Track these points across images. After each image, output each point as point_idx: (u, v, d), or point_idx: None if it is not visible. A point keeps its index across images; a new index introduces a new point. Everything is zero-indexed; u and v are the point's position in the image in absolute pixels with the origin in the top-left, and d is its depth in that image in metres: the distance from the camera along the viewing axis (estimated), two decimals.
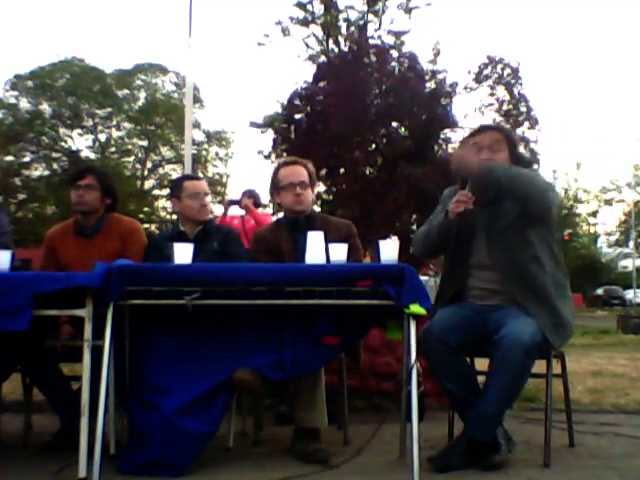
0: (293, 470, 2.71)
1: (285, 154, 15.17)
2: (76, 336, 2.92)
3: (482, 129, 3.04)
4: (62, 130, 27.50)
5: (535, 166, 16.23)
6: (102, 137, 28.52)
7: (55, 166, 27.35)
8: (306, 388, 2.91)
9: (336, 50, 19.79)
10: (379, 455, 2.96)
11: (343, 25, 20.85)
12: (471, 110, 18.22)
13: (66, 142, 27.78)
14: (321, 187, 15.90)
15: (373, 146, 15.65)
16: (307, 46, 21.11)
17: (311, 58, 20.71)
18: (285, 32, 21.46)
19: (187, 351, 2.82)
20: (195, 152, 24.07)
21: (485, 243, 2.89)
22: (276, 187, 3.33)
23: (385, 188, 14.20)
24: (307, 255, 2.72)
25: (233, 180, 28.98)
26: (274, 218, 4.72)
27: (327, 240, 2.76)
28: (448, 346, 2.73)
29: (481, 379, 2.86)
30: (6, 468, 2.77)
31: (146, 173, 29.32)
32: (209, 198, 3.53)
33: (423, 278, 3.01)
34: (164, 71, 28.47)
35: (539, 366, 2.79)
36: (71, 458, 2.58)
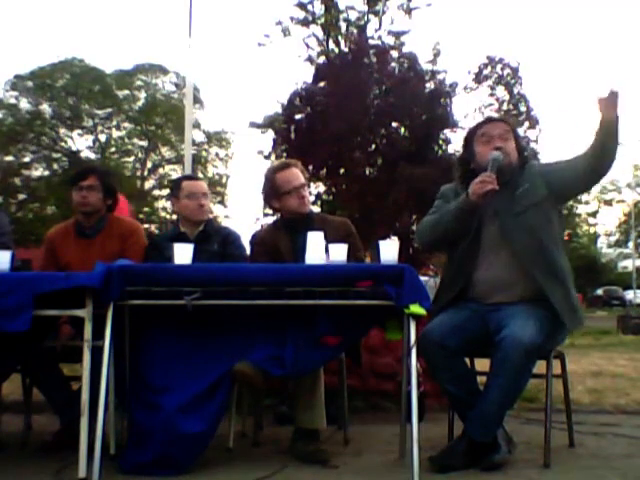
0: (293, 470, 2.71)
1: (285, 154, 15.15)
2: (76, 336, 2.92)
3: (490, 120, 3.06)
4: (62, 130, 27.52)
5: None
6: (102, 137, 28.54)
7: (55, 166, 27.36)
8: (305, 389, 2.92)
9: (336, 50, 19.77)
10: (379, 455, 2.96)
11: (343, 25, 20.84)
12: (471, 110, 18.23)
13: (66, 142, 27.80)
14: (321, 187, 15.88)
15: (373, 146, 15.61)
16: (307, 46, 21.10)
17: (311, 58, 20.69)
18: (285, 32, 21.43)
19: (187, 351, 2.82)
20: (195, 152, 24.06)
21: (498, 228, 2.87)
22: (276, 193, 3.31)
23: (385, 188, 14.17)
24: (307, 255, 2.72)
25: (233, 180, 28.99)
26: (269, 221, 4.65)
27: (326, 240, 2.76)
28: (447, 349, 2.73)
29: (482, 379, 2.86)
30: (6, 468, 2.77)
31: (146, 173, 29.32)
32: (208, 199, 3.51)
33: (423, 278, 3.00)
34: (164, 71, 28.47)
35: (539, 366, 2.79)
36: (71, 458, 2.58)
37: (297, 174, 3.32)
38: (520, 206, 2.85)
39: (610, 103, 2.71)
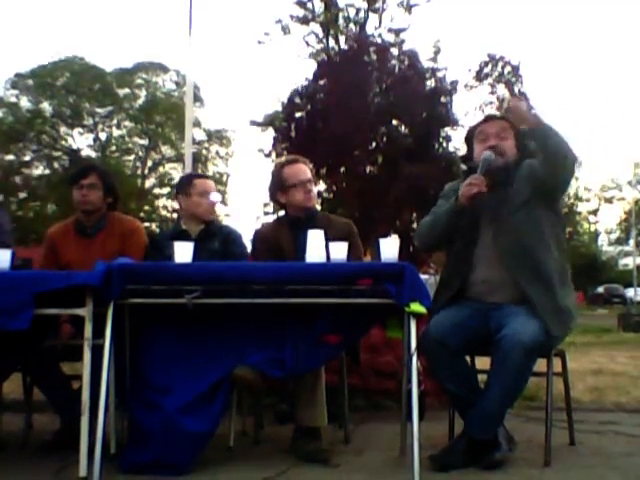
0: (294, 469, 2.71)
1: (285, 152, 15.17)
2: (76, 335, 2.92)
3: (488, 118, 3.07)
4: (63, 129, 27.53)
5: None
6: (102, 136, 28.54)
7: (56, 165, 27.37)
8: (306, 387, 2.91)
9: (336, 48, 19.76)
10: (380, 454, 2.96)
11: (343, 23, 20.81)
12: (472, 108, 18.24)
13: (67, 141, 27.81)
14: (321, 185, 15.89)
15: (373, 144, 15.63)
16: (307, 44, 21.09)
17: (311, 56, 20.68)
18: (285, 30, 21.43)
19: (187, 350, 2.82)
20: (195, 151, 24.06)
21: (492, 229, 2.86)
22: (282, 186, 3.32)
23: (385, 186, 14.19)
24: (307, 254, 2.72)
25: (234, 179, 28.97)
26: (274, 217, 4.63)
27: (327, 238, 2.76)
28: (447, 348, 2.73)
29: (482, 377, 2.86)
30: (6, 467, 2.77)
31: (146, 172, 29.33)
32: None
33: (423, 277, 3.00)
34: (164, 70, 28.47)
35: (540, 365, 2.79)
36: (71, 457, 2.58)
37: (304, 169, 3.35)
38: (511, 205, 2.84)
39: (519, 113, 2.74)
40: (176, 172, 27.42)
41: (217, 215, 3.60)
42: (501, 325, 2.70)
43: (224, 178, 29.48)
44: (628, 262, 38.34)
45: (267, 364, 2.75)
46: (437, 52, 17.32)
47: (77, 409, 2.59)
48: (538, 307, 2.72)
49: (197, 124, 26.48)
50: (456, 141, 16.15)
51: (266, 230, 3.44)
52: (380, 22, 20.15)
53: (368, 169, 15.52)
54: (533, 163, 2.87)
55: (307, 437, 2.91)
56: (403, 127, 15.75)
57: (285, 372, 2.75)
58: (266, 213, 16.69)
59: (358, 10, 20.49)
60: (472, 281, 2.89)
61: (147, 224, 24.49)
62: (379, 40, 17.29)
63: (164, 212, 28.36)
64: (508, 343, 2.60)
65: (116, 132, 28.77)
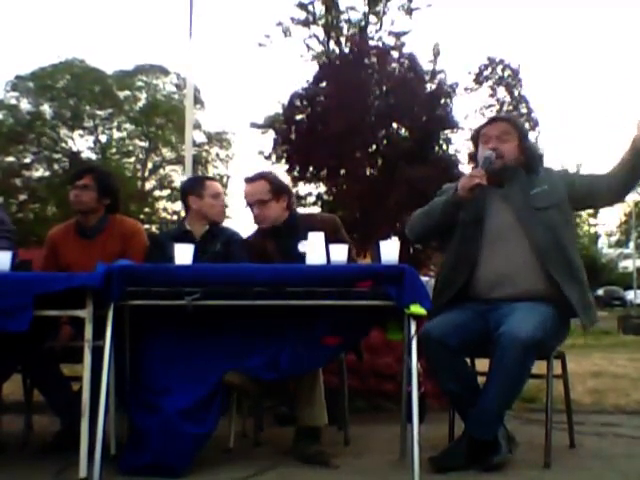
0: (294, 471, 2.71)
1: (285, 155, 15.19)
2: (76, 337, 2.92)
3: (492, 120, 3.10)
4: (63, 131, 27.52)
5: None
6: (103, 138, 28.53)
7: (56, 167, 27.36)
8: (304, 387, 2.92)
9: (337, 51, 19.76)
10: (380, 456, 2.96)
11: (344, 26, 20.82)
12: (471, 111, 18.26)
13: (67, 143, 27.79)
14: (321, 188, 15.91)
15: (374, 147, 15.63)
16: (308, 47, 21.09)
17: (312, 59, 20.68)
18: (286, 33, 21.42)
19: (187, 352, 2.82)
20: (196, 153, 24.05)
21: (514, 221, 2.88)
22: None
23: (386, 189, 14.18)
24: (307, 255, 2.72)
25: (234, 181, 28.86)
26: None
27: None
28: (448, 348, 2.73)
29: (482, 379, 2.86)
30: (6, 468, 2.77)
31: (147, 174, 29.33)
32: None
33: (423, 278, 3.00)
34: (165, 72, 28.48)
35: (539, 367, 2.79)
36: (71, 459, 2.58)
37: (254, 190, 3.35)
38: (541, 202, 2.88)
39: None
40: (176, 174, 27.44)
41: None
42: (499, 323, 2.70)
43: (224, 180, 29.48)
44: (628, 264, 38.33)
45: (262, 368, 2.75)
46: (437, 55, 17.32)
47: (76, 411, 2.59)
48: (572, 300, 2.78)
49: (197, 126, 26.48)
50: (456, 144, 16.18)
51: (252, 239, 3.46)
52: (381, 25, 20.18)
53: (368, 171, 15.52)
54: (577, 174, 3.15)
55: (308, 439, 2.91)
56: (403, 130, 15.75)
57: (278, 374, 2.76)
58: None
59: (359, 13, 20.51)
60: (478, 274, 2.89)
61: (147, 226, 24.47)
62: (380, 43, 17.31)
63: (164, 214, 28.34)
64: (506, 340, 2.61)
65: (116, 134, 28.77)
